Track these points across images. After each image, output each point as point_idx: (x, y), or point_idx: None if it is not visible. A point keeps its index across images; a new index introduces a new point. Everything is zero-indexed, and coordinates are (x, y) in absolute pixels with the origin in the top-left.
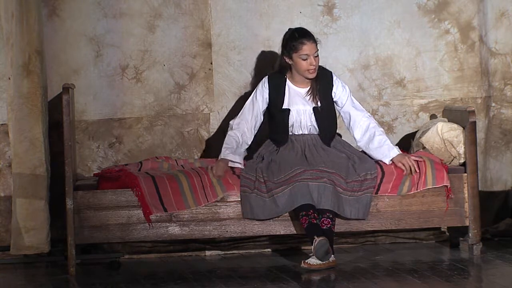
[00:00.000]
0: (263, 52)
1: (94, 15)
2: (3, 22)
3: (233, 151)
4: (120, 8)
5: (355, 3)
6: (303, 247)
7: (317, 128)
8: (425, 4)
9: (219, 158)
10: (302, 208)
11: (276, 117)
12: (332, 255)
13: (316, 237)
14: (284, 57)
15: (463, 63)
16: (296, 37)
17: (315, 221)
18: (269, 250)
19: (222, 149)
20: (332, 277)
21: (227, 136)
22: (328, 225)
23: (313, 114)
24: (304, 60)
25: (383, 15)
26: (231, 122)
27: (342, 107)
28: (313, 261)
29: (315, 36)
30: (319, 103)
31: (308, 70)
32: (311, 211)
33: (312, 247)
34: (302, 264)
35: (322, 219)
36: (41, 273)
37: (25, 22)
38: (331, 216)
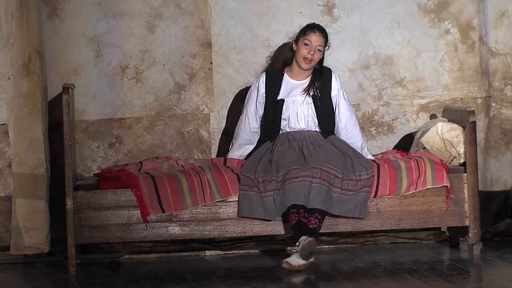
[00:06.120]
0: (263, 52)
1: (94, 15)
2: (3, 22)
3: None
4: (120, 8)
5: (355, 3)
6: (288, 248)
7: (316, 119)
8: (425, 4)
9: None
10: (293, 206)
11: (269, 109)
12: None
13: (306, 237)
14: (293, 43)
15: (463, 63)
16: (310, 26)
17: (304, 220)
18: (269, 250)
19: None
20: (332, 277)
21: (236, 142)
22: (315, 225)
23: (312, 103)
24: (306, 46)
25: (383, 15)
26: (237, 129)
27: (337, 106)
28: (295, 260)
29: (329, 41)
30: (318, 94)
31: (305, 57)
32: (302, 210)
33: (298, 245)
34: (284, 265)
35: (310, 218)
36: (41, 273)
37: (25, 22)
38: (319, 217)
